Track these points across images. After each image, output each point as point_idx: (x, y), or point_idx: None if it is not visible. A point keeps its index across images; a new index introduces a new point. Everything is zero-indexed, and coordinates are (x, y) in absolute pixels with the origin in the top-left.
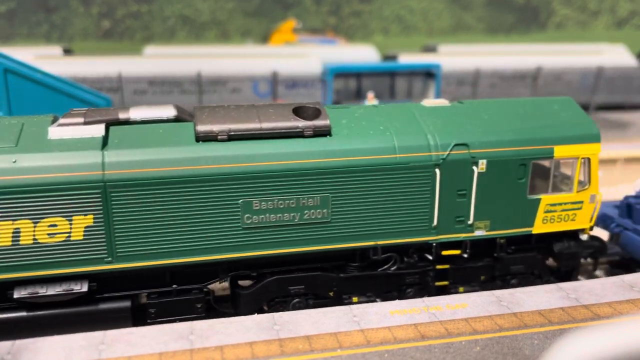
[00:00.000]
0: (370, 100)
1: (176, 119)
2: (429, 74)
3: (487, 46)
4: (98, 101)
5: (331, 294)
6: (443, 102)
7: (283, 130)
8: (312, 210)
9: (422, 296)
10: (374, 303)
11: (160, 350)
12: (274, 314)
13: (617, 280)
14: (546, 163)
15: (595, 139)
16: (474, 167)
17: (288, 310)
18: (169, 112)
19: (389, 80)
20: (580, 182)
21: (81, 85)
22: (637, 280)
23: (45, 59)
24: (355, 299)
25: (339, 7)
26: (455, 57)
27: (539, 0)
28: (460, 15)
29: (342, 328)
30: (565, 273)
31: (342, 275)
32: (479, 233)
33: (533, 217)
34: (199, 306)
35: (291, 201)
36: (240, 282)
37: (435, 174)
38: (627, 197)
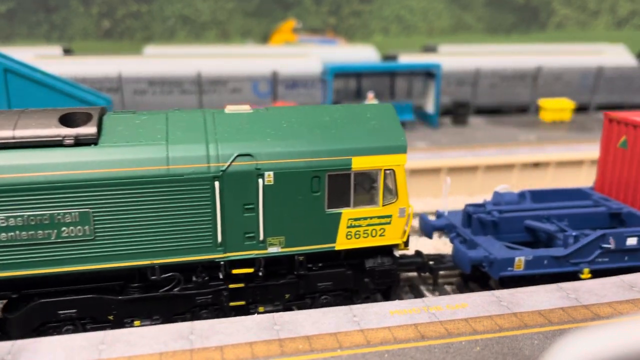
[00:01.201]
0: (370, 100)
1: None
2: (429, 74)
3: (487, 46)
4: (98, 101)
5: (111, 317)
6: (244, 108)
7: (40, 139)
8: (70, 227)
9: (217, 317)
10: (374, 303)
11: (161, 350)
12: (274, 314)
13: (617, 280)
14: (347, 175)
15: (400, 150)
16: (260, 180)
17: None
18: None
19: (389, 80)
20: (388, 195)
21: (81, 86)
22: (637, 280)
23: (45, 58)
24: (137, 323)
25: (339, 7)
26: (455, 57)
27: (539, 0)
28: (460, 15)
29: (342, 328)
30: (385, 290)
31: (121, 297)
32: (273, 250)
33: (334, 232)
34: None
35: (44, 217)
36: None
37: (214, 187)
38: (467, 206)
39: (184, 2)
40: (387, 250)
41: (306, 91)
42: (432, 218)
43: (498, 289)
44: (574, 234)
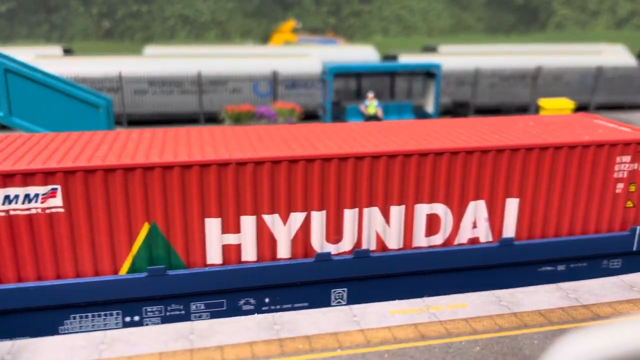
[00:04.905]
0: (370, 100)
1: None
2: (429, 74)
3: (486, 46)
4: (98, 101)
5: None
6: None
7: None
8: None
9: None
10: (374, 303)
11: (161, 350)
12: (274, 313)
13: (617, 280)
14: None
15: None
16: None
17: None
18: None
19: (389, 80)
20: None
21: (81, 86)
22: (637, 280)
23: (46, 59)
24: None
25: (338, 7)
26: (455, 57)
27: (539, 0)
28: (460, 16)
29: (342, 328)
30: None
31: None
32: None
33: None
34: None
35: None
36: None
37: None
38: None
39: (184, 3)
40: None
41: (306, 91)
42: None
43: None
44: None
